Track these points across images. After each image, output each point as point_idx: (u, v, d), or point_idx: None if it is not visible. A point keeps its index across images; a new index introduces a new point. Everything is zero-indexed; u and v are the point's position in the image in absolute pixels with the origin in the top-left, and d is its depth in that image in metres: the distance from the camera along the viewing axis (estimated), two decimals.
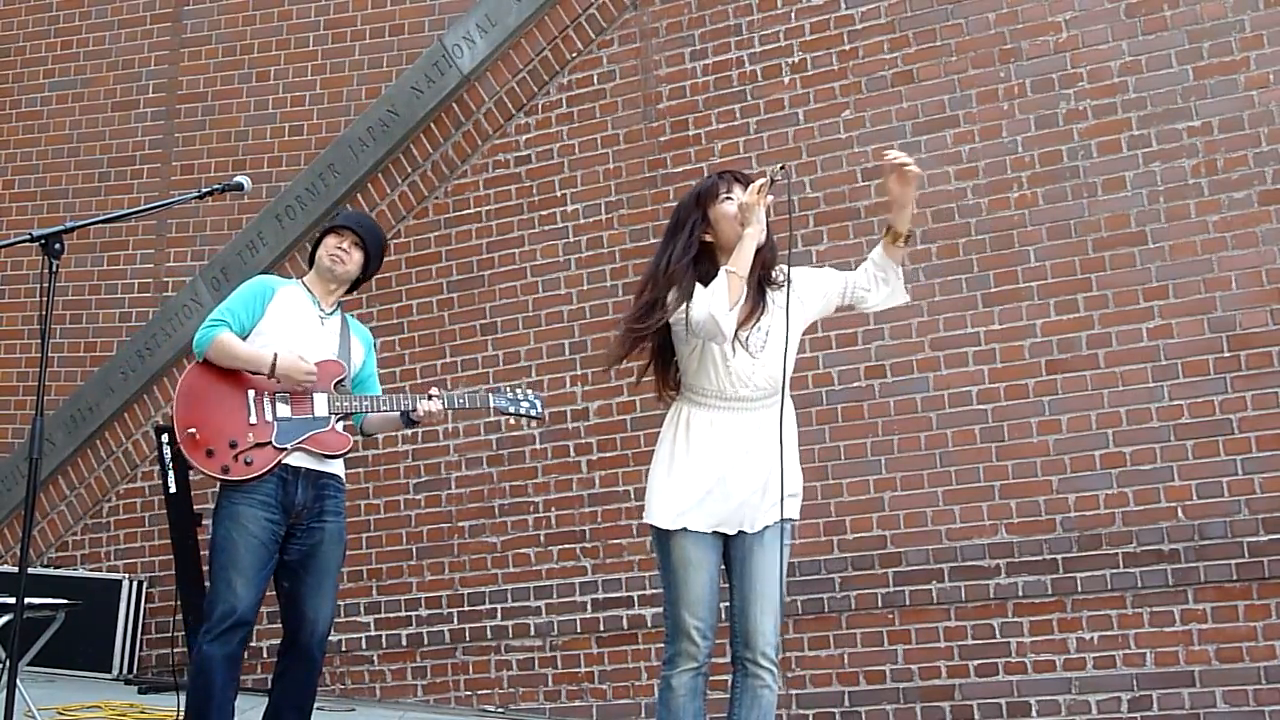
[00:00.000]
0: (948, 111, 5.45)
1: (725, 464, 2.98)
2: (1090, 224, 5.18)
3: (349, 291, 3.85)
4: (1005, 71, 5.40)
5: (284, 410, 3.50)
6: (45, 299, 3.03)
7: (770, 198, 2.99)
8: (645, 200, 5.83)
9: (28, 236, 3.15)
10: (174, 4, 6.84)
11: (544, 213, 5.98)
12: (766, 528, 3.00)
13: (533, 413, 3.73)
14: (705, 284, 2.96)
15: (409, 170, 6.24)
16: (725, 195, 3.05)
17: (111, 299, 6.60)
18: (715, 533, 3.00)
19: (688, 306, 2.93)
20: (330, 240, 3.72)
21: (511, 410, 3.70)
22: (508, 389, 3.74)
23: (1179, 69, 5.17)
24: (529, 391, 3.75)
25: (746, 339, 3.02)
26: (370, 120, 6.26)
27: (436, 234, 6.15)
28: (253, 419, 3.47)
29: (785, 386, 3.01)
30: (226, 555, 3.38)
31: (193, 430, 3.43)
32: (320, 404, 3.52)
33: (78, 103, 6.86)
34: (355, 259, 3.73)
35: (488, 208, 6.09)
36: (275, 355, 3.48)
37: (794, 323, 3.05)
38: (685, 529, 2.98)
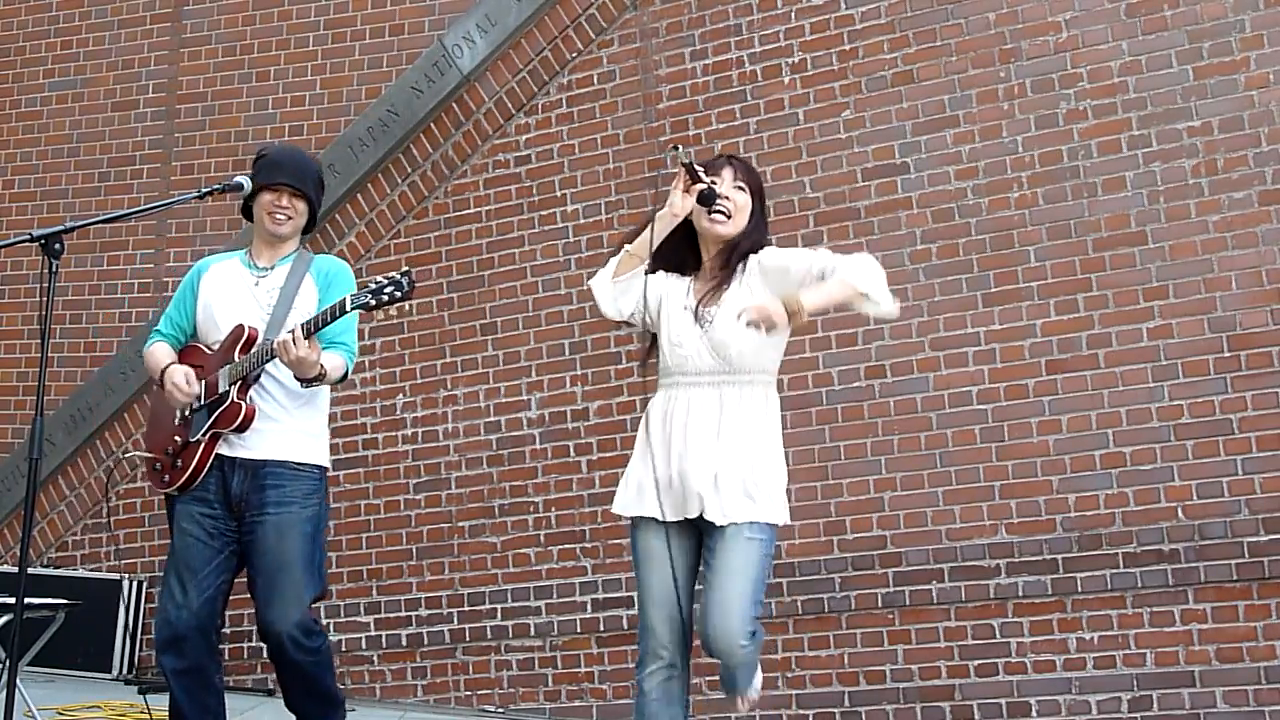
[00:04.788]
0: (948, 111, 5.45)
1: (676, 444, 2.87)
2: (1090, 224, 5.18)
3: (306, 233, 3.56)
4: (1005, 71, 5.40)
5: (200, 399, 3.31)
6: (45, 299, 3.01)
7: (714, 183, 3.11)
8: (645, 200, 5.83)
9: (28, 236, 3.14)
10: (174, 4, 6.83)
11: (544, 213, 5.98)
12: (733, 524, 2.80)
13: (398, 293, 3.19)
14: (682, 271, 3.09)
15: (409, 170, 6.24)
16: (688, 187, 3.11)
17: (111, 299, 6.59)
18: (684, 521, 2.86)
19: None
20: (266, 199, 3.39)
21: (373, 303, 3.15)
22: (369, 282, 3.21)
23: (1179, 69, 5.17)
24: (389, 274, 3.23)
25: (700, 313, 2.97)
26: (370, 120, 6.25)
27: (436, 234, 6.14)
28: (177, 419, 3.35)
29: (763, 375, 2.96)
30: (170, 560, 3.26)
31: (150, 456, 3.38)
32: (222, 379, 3.27)
33: (78, 103, 6.86)
34: (300, 210, 3.44)
35: (488, 208, 6.08)
36: (165, 370, 3.36)
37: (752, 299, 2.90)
38: (641, 517, 2.91)
